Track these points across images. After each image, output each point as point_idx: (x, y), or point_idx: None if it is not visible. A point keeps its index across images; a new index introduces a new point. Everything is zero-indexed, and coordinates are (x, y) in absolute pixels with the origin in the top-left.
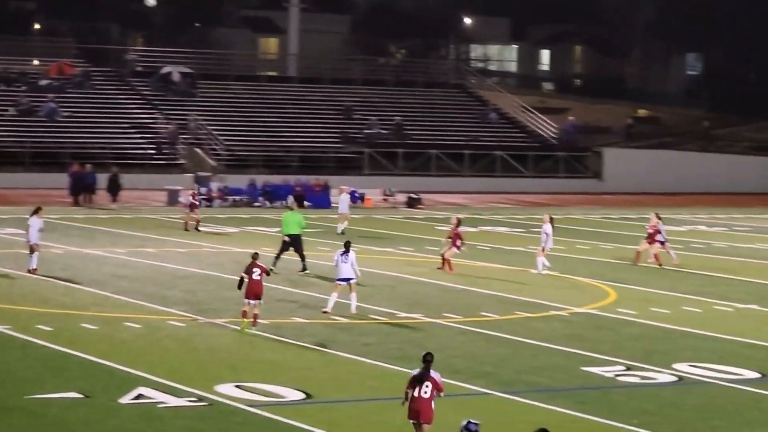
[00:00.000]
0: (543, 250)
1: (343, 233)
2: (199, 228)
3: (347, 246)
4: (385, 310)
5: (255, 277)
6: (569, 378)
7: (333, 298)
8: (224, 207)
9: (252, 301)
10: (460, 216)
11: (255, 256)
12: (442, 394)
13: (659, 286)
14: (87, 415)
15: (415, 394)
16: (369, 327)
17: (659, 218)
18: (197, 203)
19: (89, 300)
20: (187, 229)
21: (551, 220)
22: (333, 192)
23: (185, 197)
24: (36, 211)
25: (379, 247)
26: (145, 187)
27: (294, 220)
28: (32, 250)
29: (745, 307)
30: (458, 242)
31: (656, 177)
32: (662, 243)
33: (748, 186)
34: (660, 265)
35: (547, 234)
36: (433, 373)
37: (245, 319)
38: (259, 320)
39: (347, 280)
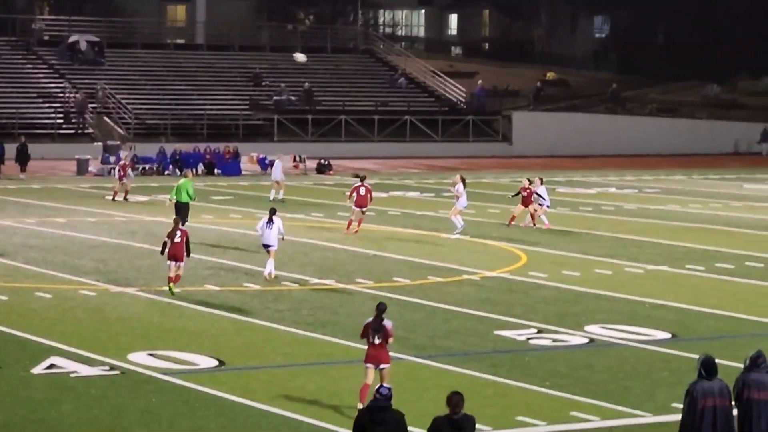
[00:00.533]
0: (456, 209)
1: (283, 201)
2: (127, 198)
3: (272, 213)
4: (297, 276)
5: (176, 240)
6: (482, 342)
7: (269, 263)
8: (134, 176)
9: (173, 263)
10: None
11: (176, 220)
12: (391, 340)
13: (570, 249)
14: None
15: (371, 341)
16: (281, 294)
17: (531, 182)
18: (126, 173)
19: None
20: (114, 199)
21: (463, 180)
22: (243, 159)
23: (117, 166)
24: None
25: (289, 213)
26: (53, 157)
27: (185, 187)
28: None
29: (656, 269)
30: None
31: (566, 140)
32: (542, 206)
33: (657, 148)
34: (534, 225)
35: (459, 193)
36: (385, 322)
37: (171, 283)
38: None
39: (269, 246)
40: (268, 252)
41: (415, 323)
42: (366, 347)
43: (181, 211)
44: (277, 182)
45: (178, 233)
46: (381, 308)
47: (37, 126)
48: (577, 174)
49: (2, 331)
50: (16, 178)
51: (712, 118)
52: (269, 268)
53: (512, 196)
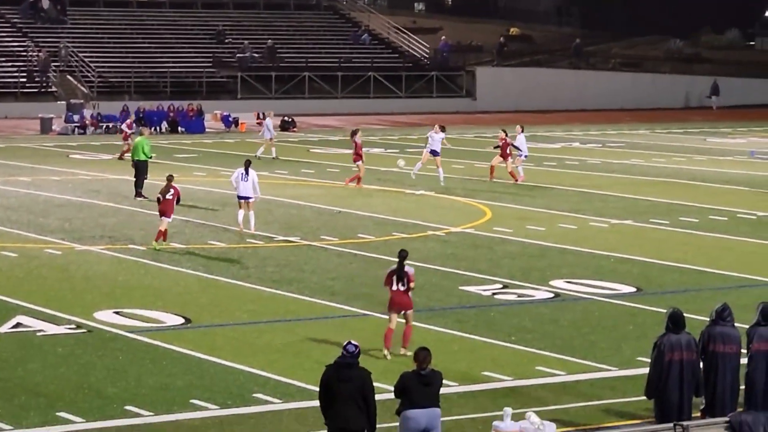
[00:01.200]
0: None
1: (276, 158)
2: (124, 157)
3: (247, 165)
4: (262, 233)
5: (168, 197)
6: (447, 297)
7: (240, 215)
8: (98, 134)
9: (165, 219)
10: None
11: (170, 177)
12: (413, 285)
13: (534, 204)
14: None
15: (394, 288)
16: (246, 251)
17: (506, 134)
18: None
19: None
20: (121, 158)
21: (443, 129)
22: (207, 117)
23: (124, 125)
24: None
25: (254, 170)
26: (17, 116)
27: (141, 145)
28: None
29: (620, 223)
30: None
31: (529, 95)
32: (519, 157)
33: (621, 102)
34: (516, 181)
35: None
36: (407, 268)
37: (160, 239)
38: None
39: (246, 198)
40: (246, 204)
41: (380, 279)
42: (389, 294)
43: (140, 169)
44: (267, 140)
45: (171, 191)
46: (402, 255)
47: (0, 84)
48: (541, 129)
49: None
50: None
51: (675, 73)
52: (252, 221)
53: (495, 147)
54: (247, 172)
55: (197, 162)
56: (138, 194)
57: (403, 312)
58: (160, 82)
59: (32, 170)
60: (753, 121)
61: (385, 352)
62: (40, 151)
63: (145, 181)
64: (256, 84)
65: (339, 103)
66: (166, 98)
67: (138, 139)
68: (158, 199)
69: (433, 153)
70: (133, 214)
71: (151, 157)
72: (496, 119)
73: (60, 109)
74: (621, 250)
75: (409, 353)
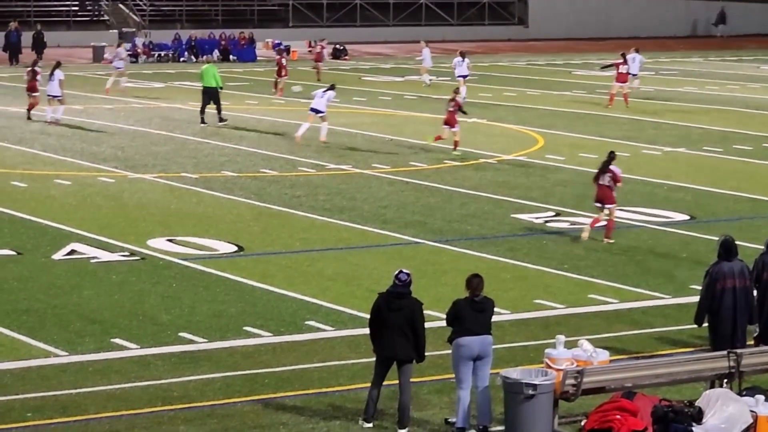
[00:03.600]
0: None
1: (429, 85)
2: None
3: (332, 86)
4: (314, 161)
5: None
6: (499, 225)
7: (304, 126)
8: (150, 63)
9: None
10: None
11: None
12: (619, 184)
13: (587, 132)
14: (20, 272)
15: (599, 182)
16: (298, 179)
17: (625, 57)
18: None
19: (18, 158)
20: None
21: (463, 55)
22: (258, 45)
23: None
24: (57, 65)
25: (305, 99)
26: (69, 45)
27: (211, 72)
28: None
29: (673, 151)
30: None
31: (582, 23)
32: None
33: (674, 30)
34: (627, 104)
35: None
36: (613, 167)
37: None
38: (188, 174)
39: (318, 111)
40: (321, 117)
41: (432, 208)
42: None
43: (210, 95)
44: (425, 67)
45: None
46: (611, 156)
47: (52, 14)
48: (593, 56)
49: (23, 218)
50: None
51: (727, 0)
52: (323, 132)
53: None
54: (328, 91)
55: (249, 90)
56: (220, 119)
57: (606, 205)
58: (211, 11)
59: (85, 99)
60: None
61: (585, 234)
62: (92, 80)
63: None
64: (307, 12)
65: (391, 30)
66: (217, 27)
67: (205, 66)
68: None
69: (462, 77)
70: (185, 142)
71: (221, 87)
72: (549, 47)
73: (112, 38)
74: (674, 177)
75: (611, 241)
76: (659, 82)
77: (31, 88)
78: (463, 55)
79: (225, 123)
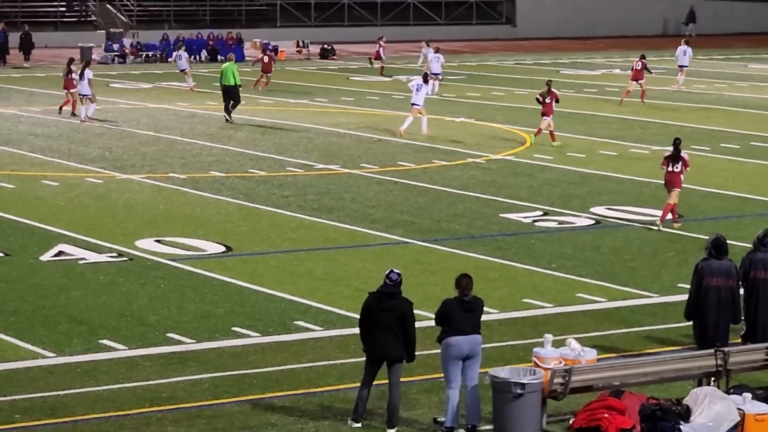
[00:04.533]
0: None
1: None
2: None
3: (425, 77)
4: (302, 161)
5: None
6: (488, 225)
7: (408, 120)
8: (137, 63)
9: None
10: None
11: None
12: (687, 169)
13: (575, 131)
14: (8, 273)
15: (669, 168)
16: (286, 179)
17: (644, 57)
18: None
19: (5, 159)
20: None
21: (437, 50)
22: (246, 45)
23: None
24: (87, 65)
25: (294, 99)
26: (57, 45)
27: (231, 71)
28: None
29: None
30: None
31: (570, 22)
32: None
33: (661, 28)
34: (643, 101)
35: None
36: (682, 154)
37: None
38: (176, 174)
39: (416, 105)
40: (416, 110)
41: (420, 207)
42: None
43: (230, 94)
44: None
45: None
46: (677, 142)
47: (40, 14)
48: (581, 56)
49: (10, 219)
50: (20, 67)
51: None
52: (424, 126)
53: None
54: (426, 82)
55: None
56: (227, 119)
57: (674, 189)
58: (199, 11)
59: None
60: None
61: (659, 224)
62: None
63: (238, 105)
64: (295, 12)
65: (379, 30)
66: (205, 27)
67: (226, 64)
68: (537, 99)
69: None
70: (173, 143)
71: (240, 85)
72: (537, 46)
73: (99, 39)
74: (661, 176)
75: (676, 225)
76: (647, 81)
77: (67, 86)
78: (437, 50)
79: (228, 122)
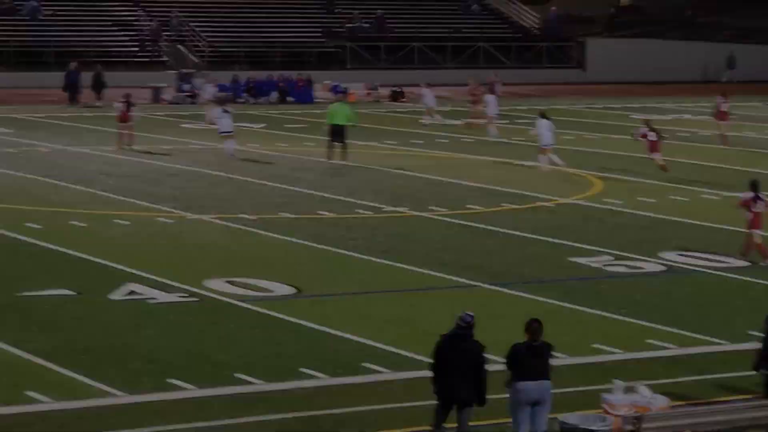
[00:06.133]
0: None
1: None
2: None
3: (543, 114)
4: (371, 204)
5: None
6: (557, 269)
7: (542, 159)
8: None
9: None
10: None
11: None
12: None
13: (645, 176)
14: (78, 312)
15: (754, 209)
16: (355, 221)
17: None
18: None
19: (77, 198)
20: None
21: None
22: (316, 87)
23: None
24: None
25: (363, 141)
26: (128, 85)
27: (342, 111)
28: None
29: (732, 195)
30: None
31: (640, 66)
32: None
33: (732, 74)
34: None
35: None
36: (761, 194)
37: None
38: (247, 215)
39: (550, 145)
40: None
41: (489, 251)
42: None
43: (337, 134)
44: (431, 108)
45: None
46: (757, 183)
47: (112, 54)
48: (651, 101)
49: (82, 257)
50: (92, 106)
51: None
52: (557, 159)
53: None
54: (546, 120)
55: (307, 132)
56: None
57: (757, 231)
58: (270, 52)
59: (144, 139)
60: None
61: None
62: (152, 120)
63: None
64: (365, 54)
65: (448, 73)
66: (275, 68)
67: (334, 104)
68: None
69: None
70: (244, 183)
71: (355, 125)
72: (606, 90)
73: (170, 79)
74: (733, 222)
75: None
76: (718, 127)
77: (122, 119)
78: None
79: (332, 165)
